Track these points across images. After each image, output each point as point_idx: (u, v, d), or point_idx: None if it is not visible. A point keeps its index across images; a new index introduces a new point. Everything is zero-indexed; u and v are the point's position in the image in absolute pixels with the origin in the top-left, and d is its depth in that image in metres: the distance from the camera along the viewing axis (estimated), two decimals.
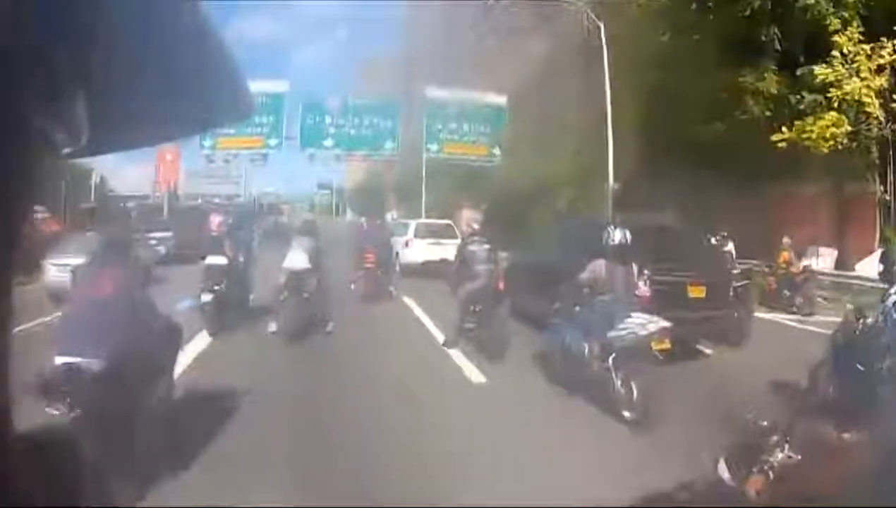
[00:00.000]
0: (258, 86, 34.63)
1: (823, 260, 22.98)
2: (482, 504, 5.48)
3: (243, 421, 7.48)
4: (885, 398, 5.14)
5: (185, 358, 9.76)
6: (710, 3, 25.23)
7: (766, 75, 23.73)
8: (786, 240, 19.15)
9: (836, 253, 23.19)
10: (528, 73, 36.86)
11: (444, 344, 12.34)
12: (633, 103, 28.50)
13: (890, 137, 21.88)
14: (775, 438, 4.80)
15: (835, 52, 21.64)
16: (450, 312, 12.64)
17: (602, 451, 7.29)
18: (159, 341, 6.31)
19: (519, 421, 8.14)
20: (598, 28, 30.33)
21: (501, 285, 12.23)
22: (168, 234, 24.06)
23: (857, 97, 21.37)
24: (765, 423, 5.16)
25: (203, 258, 13.21)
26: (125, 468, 4.63)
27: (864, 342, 6.03)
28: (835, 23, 21.87)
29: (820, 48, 22.08)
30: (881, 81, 21.46)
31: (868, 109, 21.50)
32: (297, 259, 12.70)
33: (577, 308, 9.59)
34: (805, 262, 20.47)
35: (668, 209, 15.89)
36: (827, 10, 22.16)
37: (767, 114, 23.62)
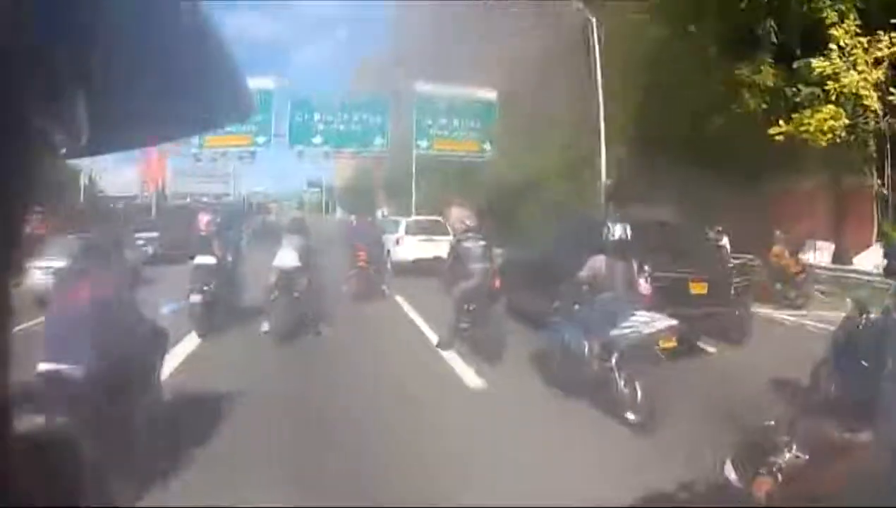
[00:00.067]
0: None
1: (821, 254, 23.03)
2: (482, 505, 5.49)
3: (232, 424, 7.44)
4: (891, 395, 5.12)
5: (173, 361, 9.75)
6: None
7: (762, 68, 23.73)
8: (777, 233, 19.22)
9: (833, 247, 23.24)
10: (519, 67, 36.86)
11: (438, 345, 12.11)
12: (626, 97, 28.54)
13: (887, 131, 21.92)
14: (782, 438, 4.76)
15: (832, 45, 21.67)
16: (443, 311, 12.44)
17: (606, 454, 7.15)
18: (144, 345, 6.27)
19: (519, 424, 7.99)
20: (590, 21, 30.34)
21: (497, 283, 12.05)
22: (156, 234, 24.02)
23: (854, 90, 21.41)
24: (771, 423, 5.13)
25: (192, 258, 13.15)
26: (114, 472, 4.62)
27: (868, 338, 5.99)
28: (831, 15, 21.85)
29: (816, 41, 22.08)
30: (878, 74, 21.51)
31: (866, 102, 21.54)
32: (287, 257, 12.67)
33: (577, 306, 9.39)
34: (802, 256, 20.63)
35: (663, 204, 15.81)
36: (824, 2, 22.16)
37: (763, 107, 23.63)
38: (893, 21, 21.02)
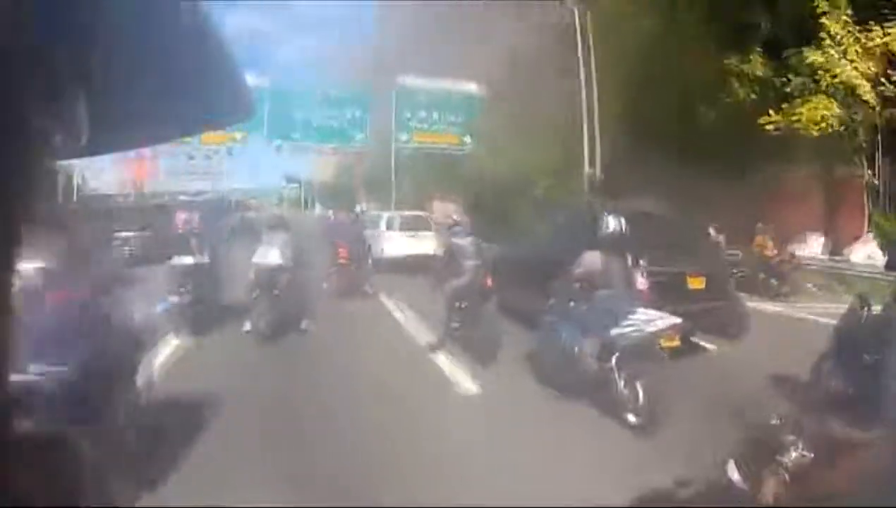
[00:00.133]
0: None
1: (811, 246, 23.21)
2: (482, 505, 5.50)
3: (210, 429, 7.37)
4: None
5: (152, 364, 9.73)
6: None
7: (751, 58, 23.86)
8: (759, 225, 19.38)
9: (823, 238, 23.40)
10: (502, 60, 36.83)
11: (429, 347, 11.75)
12: (614, 89, 28.57)
13: (878, 121, 22.08)
14: (787, 436, 4.69)
15: (824, 36, 21.80)
16: (430, 311, 12.30)
17: (607, 458, 6.98)
18: (120, 349, 6.20)
19: (517, 428, 7.80)
20: (576, 12, 30.39)
21: (490, 281, 11.71)
22: (134, 234, 23.83)
23: (847, 81, 21.55)
24: (774, 421, 5.07)
25: (169, 258, 13.00)
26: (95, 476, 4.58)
27: (871, 332, 5.95)
28: (822, 5, 21.98)
29: (806, 32, 22.21)
30: (870, 65, 21.66)
31: (860, 93, 21.68)
32: (267, 255, 12.58)
33: (572, 304, 9.05)
34: (792, 248, 20.80)
35: (650, 196, 15.82)
36: None
37: (753, 97, 23.75)
38: (885, 11, 21.19)
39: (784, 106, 22.21)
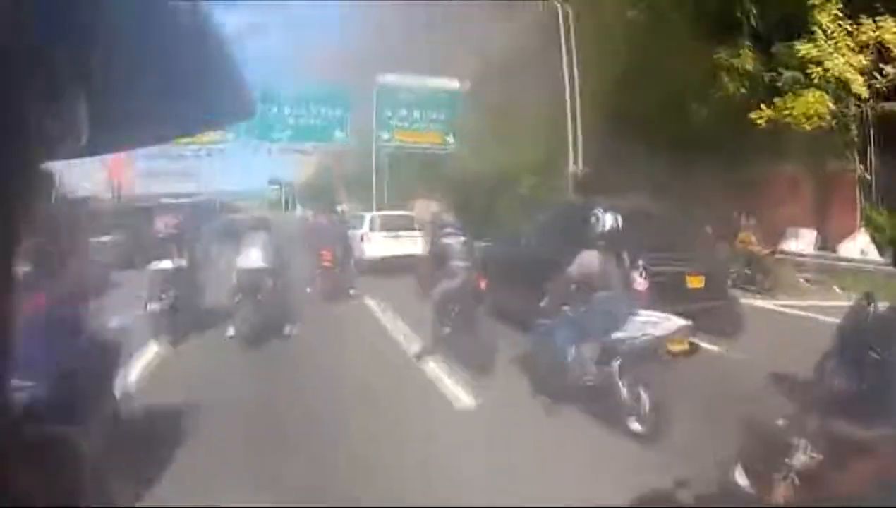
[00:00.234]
0: None
1: (803, 241, 23.31)
2: (482, 505, 5.49)
3: (193, 439, 7.30)
4: None
5: (132, 372, 9.61)
6: None
7: (741, 52, 23.93)
8: (745, 220, 19.50)
9: (815, 233, 23.51)
10: (485, 57, 36.84)
11: (418, 355, 11.37)
12: (598, 84, 28.59)
13: (870, 115, 22.20)
14: (794, 438, 4.66)
15: (816, 29, 21.90)
16: (418, 314, 11.95)
17: (611, 467, 6.83)
18: (97, 359, 6.10)
19: (517, 442, 7.55)
20: (558, 6, 30.45)
21: (483, 284, 11.22)
22: (113, 238, 23.66)
23: (839, 74, 21.66)
24: (780, 423, 5.02)
25: (149, 262, 12.90)
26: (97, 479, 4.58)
27: (877, 328, 5.90)
28: None
29: (795, 25, 22.32)
30: (862, 59, 21.77)
31: (852, 87, 21.80)
32: (250, 258, 12.51)
33: (567, 307, 8.71)
34: (785, 243, 20.96)
35: (640, 193, 15.72)
36: None
37: (742, 91, 23.82)
38: (877, 5, 21.32)
39: (776, 100, 22.28)
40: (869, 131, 22.34)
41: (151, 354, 11.43)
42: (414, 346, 11.85)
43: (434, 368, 10.77)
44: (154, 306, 12.00)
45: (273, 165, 67.90)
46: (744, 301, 14.78)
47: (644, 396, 7.58)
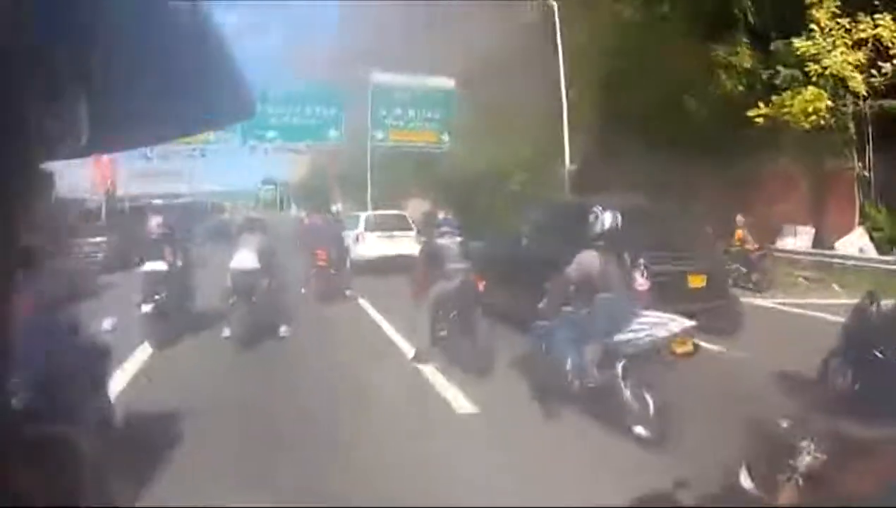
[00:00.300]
0: None
1: (801, 239, 23.38)
2: (482, 505, 5.47)
3: (186, 444, 7.21)
4: None
5: (124, 375, 9.63)
6: None
7: (738, 49, 23.96)
8: (739, 218, 19.56)
9: (813, 231, 23.57)
10: (479, 54, 36.85)
11: (413, 359, 11.03)
12: (594, 81, 28.64)
13: (868, 112, 22.25)
14: (799, 439, 4.57)
15: (813, 26, 21.95)
16: (414, 316, 11.40)
17: (616, 472, 6.65)
18: (87, 361, 6.07)
19: (519, 447, 7.41)
20: (552, 5, 30.46)
21: (482, 285, 10.90)
22: (104, 239, 23.66)
23: (837, 72, 21.71)
24: (785, 424, 4.91)
25: (141, 262, 12.86)
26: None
27: (881, 328, 5.84)
28: None
29: (793, 23, 22.38)
30: (859, 56, 21.83)
31: (852, 84, 21.85)
32: (244, 259, 12.47)
33: (567, 308, 8.50)
34: (783, 241, 21.03)
35: (638, 191, 15.66)
36: None
37: (740, 88, 23.86)
38: (875, 3, 21.38)
39: (774, 98, 22.33)
40: (867, 128, 22.41)
41: (145, 356, 11.37)
42: (411, 349, 11.53)
43: (432, 371, 10.53)
44: (146, 308, 11.92)
45: (267, 165, 68.20)
46: (744, 300, 14.75)
47: (648, 399, 7.41)
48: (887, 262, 20.15)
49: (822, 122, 21.91)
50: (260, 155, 44.83)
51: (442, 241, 11.35)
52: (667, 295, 9.29)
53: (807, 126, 21.73)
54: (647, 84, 24.89)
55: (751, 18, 23.97)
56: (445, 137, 40.76)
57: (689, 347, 7.85)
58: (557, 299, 8.68)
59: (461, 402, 9.13)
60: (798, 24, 22.20)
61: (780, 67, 22.68)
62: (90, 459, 0.97)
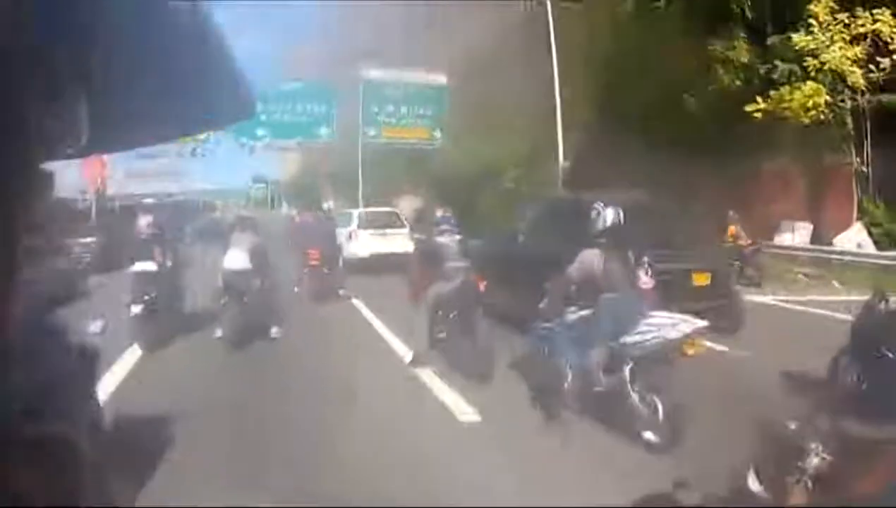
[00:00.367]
0: None
1: (799, 234, 23.44)
2: (482, 505, 5.46)
3: (175, 449, 7.12)
4: None
5: (114, 378, 9.58)
6: None
7: (736, 44, 23.99)
8: (730, 213, 19.60)
9: (811, 226, 23.62)
10: (471, 49, 36.86)
11: (411, 363, 10.75)
12: (588, 77, 28.67)
13: (866, 107, 22.31)
14: (807, 441, 4.56)
15: (812, 21, 22.00)
16: (410, 316, 11.29)
17: (624, 479, 6.47)
18: (76, 364, 6.01)
19: (519, 453, 7.27)
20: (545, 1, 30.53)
21: (483, 286, 10.60)
22: (94, 239, 23.57)
23: (835, 66, 21.76)
24: (793, 426, 4.89)
25: (131, 261, 12.76)
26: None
27: (891, 325, 5.78)
28: None
29: (791, 18, 22.44)
30: (858, 51, 21.88)
31: (851, 79, 21.91)
32: (236, 259, 12.46)
33: (571, 308, 8.31)
34: (781, 237, 21.10)
35: (637, 187, 15.58)
36: None
37: (738, 83, 23.89)
38: None
39: (773, 92, 22.37)
40: (865, 124, 22.47)
41: (134, 358, 11.32)
42: (408, 351, 11.33)
43: (430, 375, 10.30)
44: (136, 309, 11.85)
45: (257, 163, 67.94)
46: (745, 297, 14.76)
47: (658, 403, 7.26)
48: (886, 258, 20.22)
49: (822, 117, 21.95)
50: (250, 153, 44.82)
51: (441, 239, 11.15)
52: (671, 293, 9.13)
53: (806, 121, 21.79)
54: (643, 79, 24.95)
55: (748, 13, 24.00)
56: (437, 134, 40.84)
57: (699, 349, 7.62)
58: (559, 299, 8.54)
59: (462, 407, 8.90)
60: (795, 18, 22.25)
61: (777, 62, 22.73)
62: (90, 459, 0.98)
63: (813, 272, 20.65)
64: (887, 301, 5.92)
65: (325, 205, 29.36)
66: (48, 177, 0.87)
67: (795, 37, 22.05)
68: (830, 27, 21.94)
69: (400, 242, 23.11)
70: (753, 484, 4.91)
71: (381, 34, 46.49)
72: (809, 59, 21.87)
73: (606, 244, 8.14)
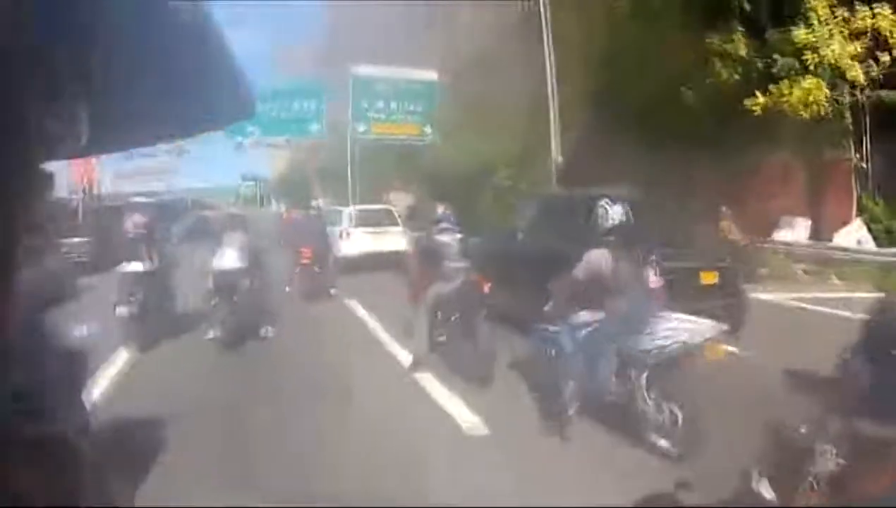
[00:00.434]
0: None
1: (797, 230, 23.46)
2: (482, 505, 5.47)
3: (165, 456, 7.05)
4: None
5: (103, 380, 9.63)
6: None
7: (734, 38, 23.99)
8: (723, 209, 19.63)
9: (810, 222, 23.65)
10: (462, 44, 36.90)
11: (411, 367, 10.47)
12: (583, 72, 28.65)
13: (865, 103, 22.36)
14: (819, 445, 4.50)
15: (811, 15, 22.03)
16: (405, 316, 11.12)
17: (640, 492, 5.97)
18: (63, 367, 5.99)
19: (525, 465, 7.05)
20: None
21: (487, 287, 10.27)
22: (79, 240, 23.46)
23: (834, 61, 21.79)
24: (804, 430, 4.81)
25: (118, 264, 12.71)
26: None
27: None
28: None
29: (789, 12, 22.46)
30: (857, 46, 21.92)
31: (851, 74, 21.94)
32: (226, 258, 12.45)
33: (579, 311, 7.91)
34: (780, 233, 21.19)
35: (637, 183, 15.46)
36: None
37: (736, 77, 23.89)
38: None
39: (772, 87, 22.37)
40: (865, 120, 22.50)
41: (122, 360, 11.30)
42: (402, 350, 11.30)
43: (430, 379, 10.08)
44: (123, 310, 11.85)
45: (246, 161, 67.94)
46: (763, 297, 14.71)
47: (676, 412, 7.02)
48: (886, 254, 20.27)
49: (822, 113, 21.98)
50: (239, 150, 44.79)
51: (441, 238, 10.82)
52: (678, 292, 8.89)
53: (806, 116, 21.78)
54: (639, 74, 24.93)
55: (746, 6, 24.00)
56: (428, 130, 40.79)
57: (719, 354, 7.36)
58: (565, 301, 8.17)
59: (464, 415, 8.66)
60: (793, 13, 22.27)
61: (776, 56, 22.73)
62: (90, 459, 0.99)
63: (812, 268, 20.70)
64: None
65: (314, 203, 29.28)
66: (48, 177, 0.88)
67: (795, 31, 22.05)
68: (829, 22, 21.95)
69: (394, 241, 23.05)
70: (765, 490, 4.86)
71: (373, 32, 46.49)
72: (808, 53, 21.86)
73: (615, 243, 7.83)
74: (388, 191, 39.84)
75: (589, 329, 7.80)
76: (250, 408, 8.87)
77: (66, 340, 6.24)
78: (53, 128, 0.84)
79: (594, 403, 7.67)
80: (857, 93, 22.23)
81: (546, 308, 8.44)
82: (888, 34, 21.45)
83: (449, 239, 10.78)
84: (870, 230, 22.14)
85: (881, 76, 21.75)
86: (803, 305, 15.71)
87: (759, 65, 23.16)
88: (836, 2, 22.05)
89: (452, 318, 10.45)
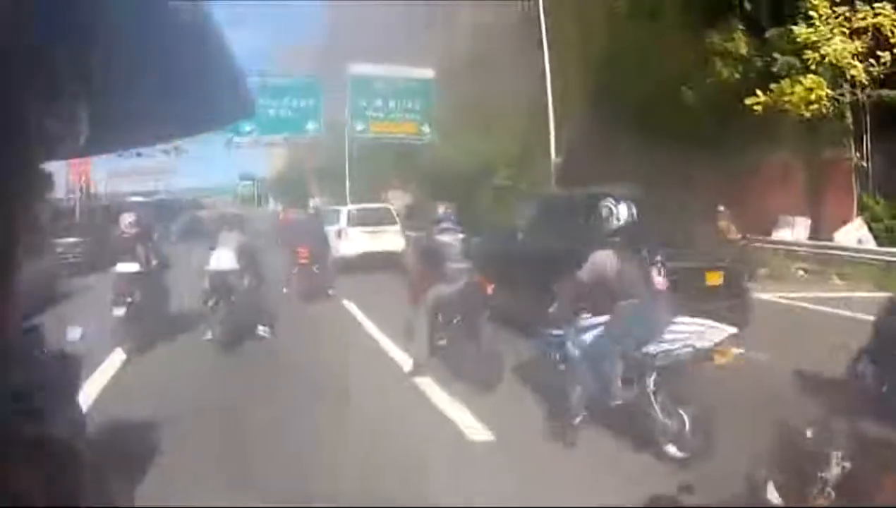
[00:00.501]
0: None
1: (797, 229, 23.48)
2: (482, 505, 5.45)
3: (161, 460, 6.95)
4: None
5: (95, 384, 9.54)
6: None
7: (734, 36, 24.00)
8: (721, 209, 19.63)
9: (810, 222, 23.67)
10: (461, 42, 36.90)
11: (411, 372, 10.27)
12: (581, 71, 28.67)
13: (866, 102, 22.38)
14: (827, 448, 4.43)
15: (812, 13, 22.05)
16: (404, 316, 10.88)
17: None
18: (59, 370, 5.96)
19: (529, 471, 6.97)
20: None
21: (490, 288, 10.11)
22: (74, 240, 23.44)
23: (835, 60, 21.81)
24: (810, 433, 4.70)
25: (113, 265, 12.65)
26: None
27: None
28: None
29: (790, 10, 22.49)
30: (858, 44, 21.94)
31: (852, 72, 21.96)
32: (223, 259, 12.43)
33: (584, 313, 7.86)
34: (779, 232, 21.20)
35: (638, 182, 15.34)
36: None
37: (737, 76, 23.90)
38: None
39: (773, 86, 22.39)
40: (865, 118, 22.53)
41: (117, 361, 11.26)
42: (399, 351, 11.25)
43: (430, 383, 9.91)
44: (119, 311, 11.78)
45: (243, 159, 67.82)
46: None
47: (684, 417, 6.91)
48: (886, 253, 20.28)
49: (823, 111, 22.00)
50: (235, 149, 44.73)
51: (442, 238, 10.61)
52: (683, 293, 8.74)
53: (807, 114, 21.83)
54: (639, 73, 24.95)
55: (746, 5, 24.03)
56: (426, 129, 40.83)
57: (730, 358, 7.09)
58: (570, 303, 8.09)
59: (467, 419, 8.52)
60: (794, 11, 22.30)
61: (776, 55, 22.75)
62: (90, 459, 0.99)
63: (812, 267, 20.72)
64: None
65: (311, 202, 29.20)
66: (48, 177, 0.88)
67: (796, 30, 22.07)
68: (830, 20, 21.98)
69: (392, 240, 23.02)
70: (773, 494, 4.75)
71: (373, 32, 46.46)
72: (809, 52, 21.90)
73: (620, 243, 7.71)
74: (387, 190, 39.91)
75: (594, 332, 7.69)
76: (248, 409, 8.84)
77: (64, 340, 6.27)
78: (53, 128, 0.84)
79: (601, 407, 7.53)
80: (858, 91, 22.25)
81: (550, 310, 8.30)
82: (889, 32, 21.47)
83: (451, 239, 10.57)
84: (870, 229, 22.17)
85: (882, 75, 21.78)
86: (805, 305, 15.69)
87: (760, 63, 23.19)
88: (837, 0, 22.07)
89: (454, 320, 10.29)
